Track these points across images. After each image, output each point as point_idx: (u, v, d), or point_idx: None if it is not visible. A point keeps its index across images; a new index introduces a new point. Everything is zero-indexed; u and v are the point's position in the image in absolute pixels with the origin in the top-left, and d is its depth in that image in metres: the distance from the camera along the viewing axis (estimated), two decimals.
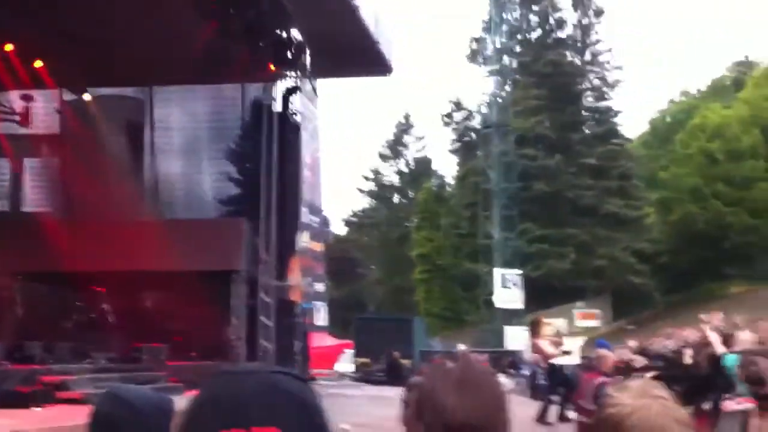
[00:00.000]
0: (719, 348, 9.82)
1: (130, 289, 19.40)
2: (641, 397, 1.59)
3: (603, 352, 11.07)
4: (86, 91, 21.45)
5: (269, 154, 19.68)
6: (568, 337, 14.08)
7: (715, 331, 10.56)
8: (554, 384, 13.56)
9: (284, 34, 19.94)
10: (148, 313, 19.36)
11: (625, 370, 13.26)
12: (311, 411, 1.06)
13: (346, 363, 28.68)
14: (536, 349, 13.55)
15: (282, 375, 1.10)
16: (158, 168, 22.72)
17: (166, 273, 18.01)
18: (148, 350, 16.37)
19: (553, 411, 13.22)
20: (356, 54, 20.81)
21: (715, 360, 9.82)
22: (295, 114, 21.24)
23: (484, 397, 1.42)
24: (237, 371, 1.13)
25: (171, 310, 19.17)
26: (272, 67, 20.12)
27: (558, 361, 13.09)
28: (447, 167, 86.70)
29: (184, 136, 22.87)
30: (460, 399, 1.39)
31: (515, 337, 37.61)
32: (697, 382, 10.59)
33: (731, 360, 9.24)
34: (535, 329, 13.96)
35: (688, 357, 11.64)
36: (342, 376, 26.40)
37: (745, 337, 11.38)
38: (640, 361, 12.89)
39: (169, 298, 19.32)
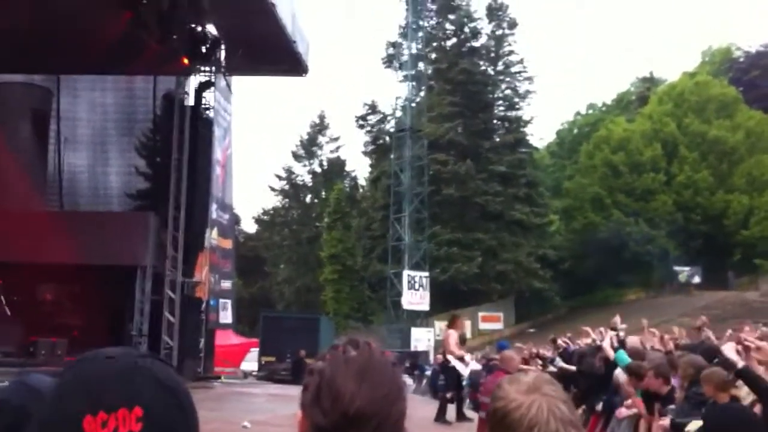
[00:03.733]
0: (610, 353, 10.36)
1: (29, 281, 18.80)
2: (530, 392, 1.62)
3: (509, 353, 11.38)
4: None
5: (180, 148, 19.42)
6: (473, 356, 14.42)
7: (611, 335, 11.12)
8: (450, 382, 13.88)
9: (199, 29, 19.74)
10: (46, 307, 18.83)
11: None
12: (172, 390, 1.08)
13: (252, 362, 28.46)
14: (445, 339, 13.79)
15: (144, 358, 1.10)
16: (63, 159, 22.13)
17: (68, 266, 17.59)
18: (45, 345, 15.88)
19: (451, 410, 13.52)
20: (272, 53, 20.73)
21: (609, 362, 10.35)
22: (208, 109, 21.03)
23: (383, 387, 1.41)
24: (99, 355, 1.10)
25: (71, 305, 18.70)
26: (185, 61, 19.88)
27: (453, 361, 13.41)
28: (360, 169, 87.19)
29: (91, 127, 22.32)
30: (359, 387, 1.38)
31: (420, 339, 38.19)
32: (593, 383, 11.13)
33: (622, 355, 9.75)
34: (452, 323, 14.26)
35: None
36: (247, 374, 26.21)
37: (633, 341, 12.04)
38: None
39: (70, 292, 18.84)
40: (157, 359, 1.14)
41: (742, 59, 64.21)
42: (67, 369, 1.10)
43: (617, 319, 11.31)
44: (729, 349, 6.13)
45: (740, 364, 5.85)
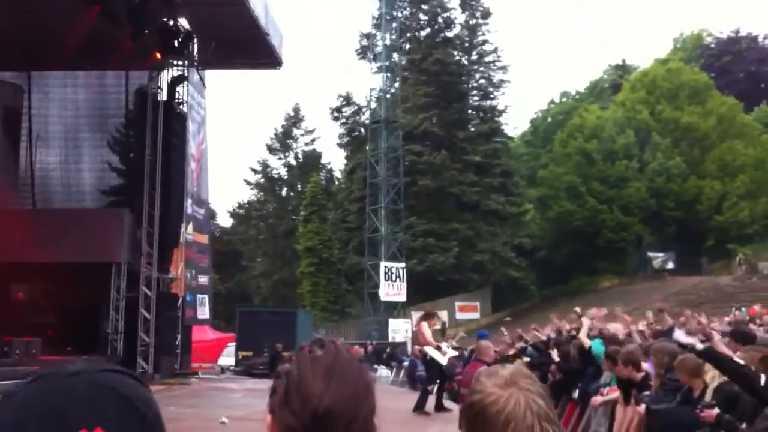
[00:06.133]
0: (586, 341, 10.46)
1: (1, 281, 18.62)
2: (508, 386, 1.63)
3: (484, 343, 11.44)
4: None
5: (153, 144, 19.30)
6: (448, 343, 14.46)
7: (589, 323, 11.22)
8: (432, 374, 13.94)
9: (171, 22, 19.60)
10: (20, 306, 18.64)
11: (506, 359, 13.83)
12: (135, 406, 1.05)
13: (229, 357, 28.39)
14: (419, 332, 13.89)
15: (107, 372, 1.07)
16: (35, 156, 21.89)
17: (41, 264, 17.43)
18: (20, 344, 15.71)
19: (431, 401, 13.58)
20: (245, 46, 20.64)
21: (584, 351, 10.45)
22: (182, 104, 20.90)
23: (351, 385, 1.42)
24: (58, 373, 1.06)
25: (45, 303, 18.54)
26: (158, 56, 19.75)
27: (430, 352, 13.47)
28: (336, 161, 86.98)
29: (63, 124, 22.09)
30: (327, 386, 1.40)
31: (398, 330, 38.28)
32: (568, 373, 11.23)
33: (597, 344, 9.85)
34: (425, 318, 14.32)
35: (555, 354, 12.30)
36: (224, 370, 26.13)
37: (615, 328, 12.14)
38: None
39: (44, 291, 18.67)
40: (121, 372, 1.11)
41: (713, 45, 64.77)
42: (25, 386, 1.06)
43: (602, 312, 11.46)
44: (680, 335, 6.24)
45: (699, 345, 5.96)
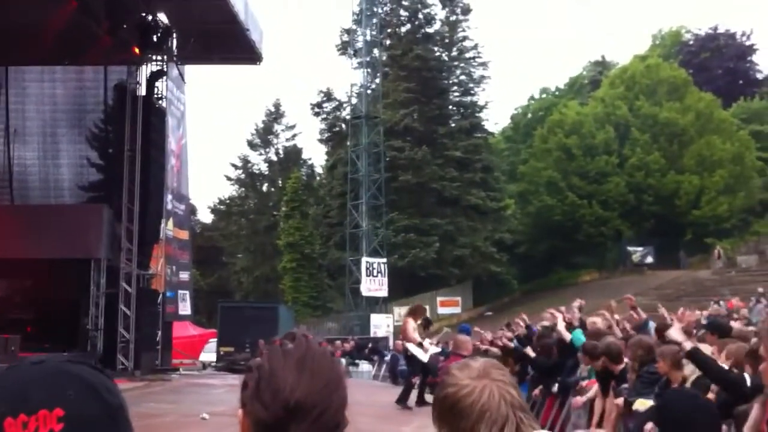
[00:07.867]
0: (566, 335, 10.52)
1: None
2: (480, 378, 1.67)
3: (461, 337, 11.46)
4: None
5: (132, 139, 19.20)
6: (431, 340, 14.51)
7: (569, 316, 11.29)
8: (414, 367, 13.99)
9: (149, 17, 19.48)
10: None
11: (485, 353, 13.87)
12: (99, 390, 1.09)
13: (210, 353, 28.30)
14: (404, 327, 13.94)
15: (70, 362, 1.12)
16: (13, 152, 21.69)
17: (20, 261, 17.32)
18: None
19: (413, 395, 13.62)
20: (225, 41, 20.57)
21: (564, 344, 10.51)
22: (161, 99, 20.81)
23: (322, 377, 1.43)
24: (26, 361, 1.12)
25: (24, 300, 18.42)
26: (137, 50, 19.64)
27: (411, 349, 13.51)
28: (317, 157, 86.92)
29: (41, 119, 21.91)
30: (298, 378, 1.41)
31: (379, 325, 38.33)
32: (547, 367, 11.29)
33: (578, 334, 9.89)
34: (411, 314, 14.36)
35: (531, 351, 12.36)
36: (206, 366, 26.06)
37: (593, 321, 12.20)
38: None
39: (23, 287, 18.55)
40: (87, 364, 1.14)
41: (691, 42, 65.16)
42: None
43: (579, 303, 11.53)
44: (675, 332, 6.20)
45: (688, 345, 5.93)
